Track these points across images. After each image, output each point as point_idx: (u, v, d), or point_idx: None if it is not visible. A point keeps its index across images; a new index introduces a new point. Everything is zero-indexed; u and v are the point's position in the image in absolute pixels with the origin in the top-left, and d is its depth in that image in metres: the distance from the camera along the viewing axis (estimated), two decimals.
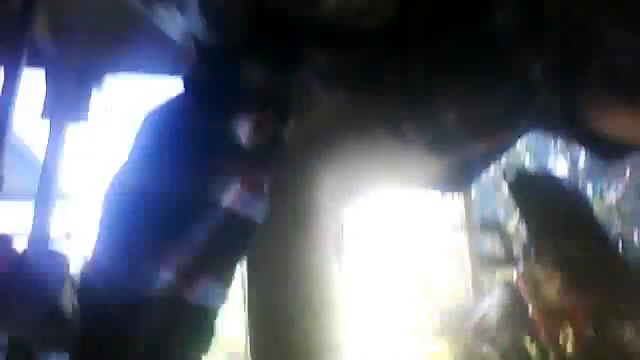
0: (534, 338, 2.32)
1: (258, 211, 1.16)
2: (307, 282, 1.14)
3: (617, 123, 0.98)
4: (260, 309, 1.24)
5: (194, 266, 1.12)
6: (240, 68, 1.07)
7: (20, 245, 2.51)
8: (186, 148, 1.17)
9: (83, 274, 1.32)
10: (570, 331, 2.28)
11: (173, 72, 3.94)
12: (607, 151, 1.14)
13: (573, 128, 0.99)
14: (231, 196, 1.12)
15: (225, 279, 1.20)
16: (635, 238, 3.31)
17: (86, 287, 1.25)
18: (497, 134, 1.06)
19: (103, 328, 1.13)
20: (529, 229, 2.59)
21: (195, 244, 1.12)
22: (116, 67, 3.71)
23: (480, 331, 2.44)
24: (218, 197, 1.12)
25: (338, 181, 1.10)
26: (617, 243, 3.00)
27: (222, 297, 1.20)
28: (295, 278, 1.14)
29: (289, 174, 1.08)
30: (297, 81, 1.01)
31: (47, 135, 3.41)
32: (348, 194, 1.20)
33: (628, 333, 2.19)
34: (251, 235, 1.16)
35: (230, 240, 1.18)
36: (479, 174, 1.36)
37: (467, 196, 3.62)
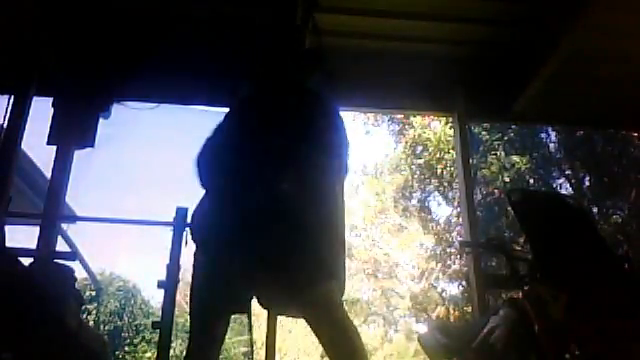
0: (540, 357, 2.28)
1: None
2: None
3: None
4: None
5: None
6: None
7: (26, 261, 2.53)
8: None
9: None
10: (576, 350, 2.25)
11: (177, 100, 4.02)
12: None
13: None
14: None
15: None
16: None
17: None
18: None
19: None
20: (534, 247, 2.57)
21: None
22: (122, 95, 3.77)
23: (486, 350, 2.41)
24: None
25: None
26: (623, 261, 2.97)
27: None
28: None
29: None
30: None
31: (55, 159, 3.46)
32: None
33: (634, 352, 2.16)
34: None
35: None
36: None
37: (472, 216, 3.59)
